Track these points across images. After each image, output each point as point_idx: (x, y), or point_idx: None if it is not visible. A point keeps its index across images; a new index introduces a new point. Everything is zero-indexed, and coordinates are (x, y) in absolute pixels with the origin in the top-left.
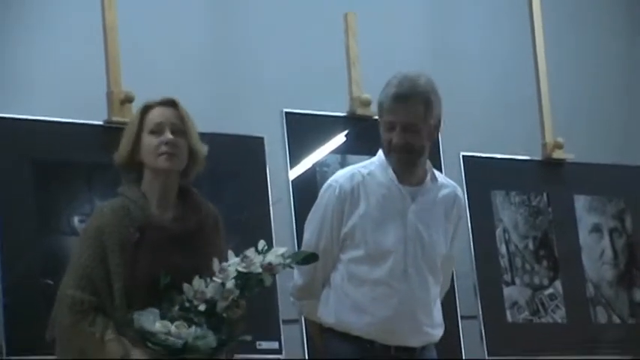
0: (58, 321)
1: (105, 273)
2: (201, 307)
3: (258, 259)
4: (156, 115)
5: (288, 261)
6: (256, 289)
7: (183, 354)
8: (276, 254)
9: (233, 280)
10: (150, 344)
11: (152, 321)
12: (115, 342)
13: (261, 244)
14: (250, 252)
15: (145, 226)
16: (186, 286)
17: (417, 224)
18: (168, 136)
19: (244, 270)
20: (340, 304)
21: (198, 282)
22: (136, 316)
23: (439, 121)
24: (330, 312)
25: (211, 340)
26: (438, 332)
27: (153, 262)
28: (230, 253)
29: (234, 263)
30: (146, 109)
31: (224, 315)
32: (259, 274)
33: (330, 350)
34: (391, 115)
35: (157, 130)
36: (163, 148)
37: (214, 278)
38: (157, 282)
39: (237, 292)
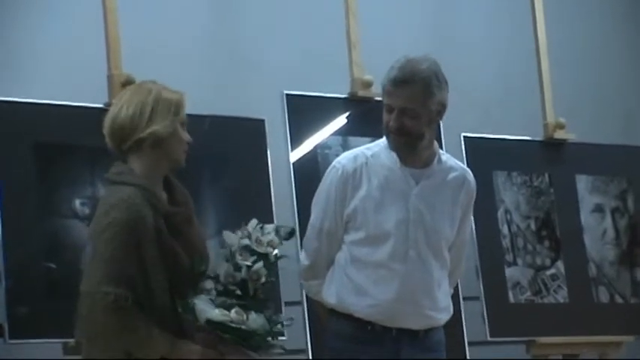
0: (92, 320)
1: (140, 266)
2: (239, 292)
3: (264, 238)
4: (184, 111)
5: (282, 237)
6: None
7: (252, 339)
8: (271, 231)
9: (261, 262)
10: (224, 334)
11: (211, 310)
12: (161, 337)
13: (254, 222)
14: (251, 229)
15: (165, 213)
16: (220, 270)
17: (420, 207)
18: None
19: (262, 250)
20: (342, 285)
21: (226, 265)
22: (199, 307)
23: (443, 107)
24: (332, 293)
25: (265, 322)
26: (442, 316)
27: (184, 248)
28: (226, 233)
29: (242, 242)
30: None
31: (261, 297)
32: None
33: (331, 330)
34: (390, 98)
35: (185, 126)
36: (187, 147)
37: (238, 260)
38: (192, 268)
39: (264, 271)
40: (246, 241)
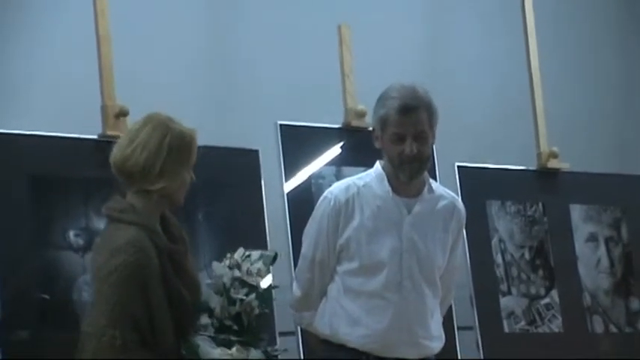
0: None
1: (147, 308)
2: (235, 327)
3: (254, 268)
4: (195, 152)
5: (267, 264)
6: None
7: None
8: (258, 260)
9: (253, 294)
10: None
11: (212, 349)
12: None
13: (241, 251)
14: (238, 257)
15: (169, 252)
16: (213, 303)
17: (413, 236)
18: (193, 175)
19: (252, 282)
20: (335, 316)
21: (220, 299)
22: (203, 349)
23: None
24: (325, 323)
25: (262, 357)
26: (436, 345)
27: (185, 284)
28: (215, 264)
29: (231, 273)
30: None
31: (255, 330)
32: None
33: None
34: (400, 127)
35: (191, 168)
36: (188, 186)
37: (232, 294)
38: (194, 305)
39: (257, 303)
40: (237, 273)
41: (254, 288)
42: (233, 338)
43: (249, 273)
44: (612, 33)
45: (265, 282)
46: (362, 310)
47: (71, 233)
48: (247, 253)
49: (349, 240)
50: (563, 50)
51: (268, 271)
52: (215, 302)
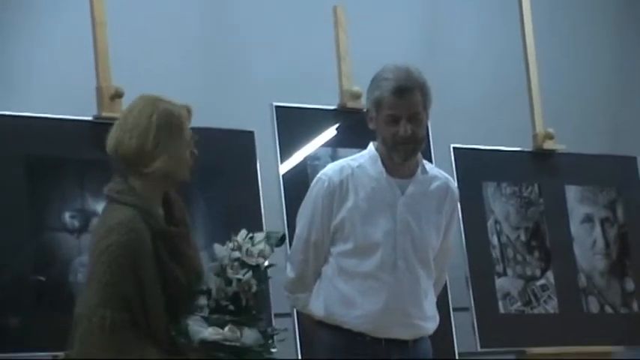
0: (88, 343)
1: (138, 288)
2: (231, 307)
3: (255, 249)
4: (188, 125)
5: (272, 244)
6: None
7: (247, 355)
8: (261, 241)
9: (250, 273)
10: (218, 354)
11: (204, 329)
12: (157, 357)
13: (243, 233)
14: (241, 240)
15: (164, 234)
16: (211, 284)
17: (407, 217)
18: (194, 149)
19: (252, 262)
20: (330, 297)
21: (217, 280)
22: (192, 328)
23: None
24: (320, 305)
25: (259, 336)
26: (430, 325)
27: (182, 267)
28: (217, 246)
29: (232, 254)
30: (188, 114)
31: (253, 310)
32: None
33: (320, 343)
34: (394, 109)
35: (189, 142)
36: (191, 162)
37: (229, 274)
38: (190, 288)
39: (254, 282)
40: (236, 254)
41: (254, 268)
42: (227, 318)
43: (249, 254)
44: (608, 15)
45: (267, 263)
46: (356, 291)
47: (67, 215)
48: (251, 234)
49: (343, 221)
50: (558, 32)
51: (272, 251)
52: (213, 284)
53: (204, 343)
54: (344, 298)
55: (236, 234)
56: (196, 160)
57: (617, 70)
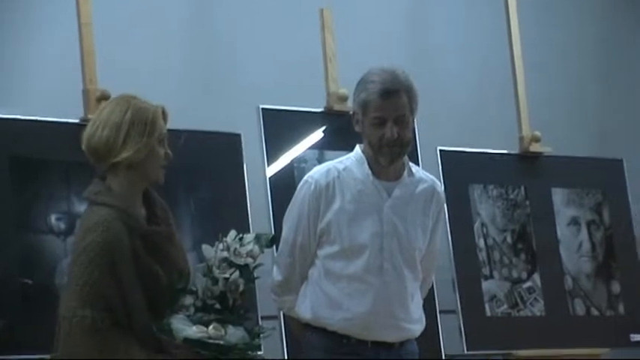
0: (71, 344)
1: (118, 287)
2: (218, 306)
3: (243, 249)
4: (164, 125)
5: (262, 245)
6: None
7: (231, 353)
8: (250, 242)
9: (237, 272)
10: (202, 352)
11: (188, 327)
12: (141, 355)
13: (233, 234)
14: (231, 240)
15: (144, 233)
16: (198, 284)
17: (394, 219)
18: (168, 150)
19: (240, 262)
20: (317, 299)
21: (204, 280)
22: (175, 326)
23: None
24: (306, 307)
25: (244, 335)
26: (416, 327)
27: (163, 266)
28: (205, 247)
29: (220, 254)
30: (163, 115)
31: (240, 309)
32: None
33: (307, 345)
34: (380, 111)
35: (163, 141)
36: (165, 162)
37: (216, 274)
38: (170, 286)
39: (242, 282)
40: (224, 254)
41: (242, 267)
42: (212, 317)
43: (236, 254)
44: (595, 18)
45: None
46: (343, 294)
47: (53, 217)
48: (240, 235)
49: (330, 224)
50: (545, 35)
51: (262, 252)
52: (199, 283)
53: (188, 340)
54: (330, 300)
55: (225, 235)
56: (171, 161)
57: (603, 73)
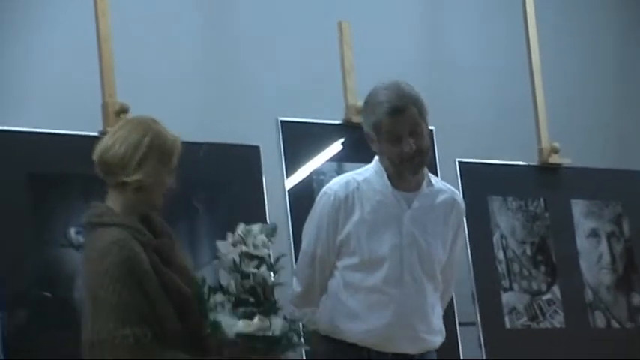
0: None
1: (146, 302)
2: (252, 299)
3: (258, 241)
4: (176, 158)
5: (268, 235)
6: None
7: (280, 343)
8: (259, 232)
9: (264, 266)
10: (257, 345)
11: (235, 322)
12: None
13: (242, 226)
14: (242, 232)
15: (154, 246)
16: (224, 281)
17: (414, 230)
18: (174, 184)
19: (260, 254)
20: (336, 311)
21: (233, 276)
22: (226, 322)
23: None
24: (326, 319)
25: (284, 323)
26: (436, 339)
27: (178, 275)
28: (220, 243)
29: (238, 248)
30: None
31: (272, 299)
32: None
33: (326, 357)
34: (394, 129)
35: (172, 173)
36: (166, 191)
37: (244, 269)
38: (195, 291)
39: (268, 273)
40: (243, 248)
41: (262, 259)
42: (253, 309)
43: (255, 246)
44: (613, 27)
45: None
46: (362, 305)
47: (72, 230)
48: (247, 227)
49: (349, 235)
50: (564, 46)
51: (270, 242)
52: (226, 279)
53: (240, 335)
54: (349, 312)
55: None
56: (202, 175)
57: (622, 84)
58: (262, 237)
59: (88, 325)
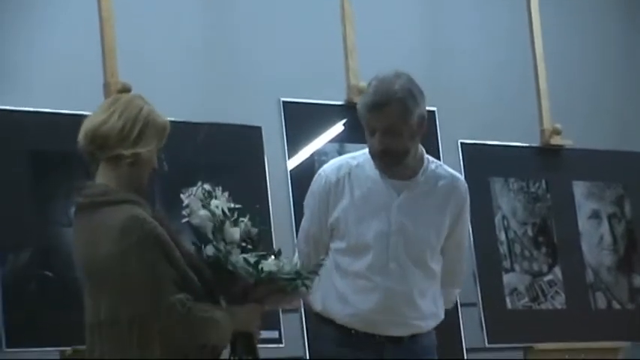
0: (171, 336)
1: (175, 269)
2: (250, 246)
3: (222, 204)
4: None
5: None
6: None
7: (296, 282)
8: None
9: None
10: (287, 282)
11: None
12: (225, 313)
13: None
14: (200, 196)
15: (159, 220)
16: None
17: (402, 218)
18: (162, 164)
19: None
20: (327, 292)
21: (234, 230)
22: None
23: (423, 118)
24: (317, 298)
25: (292, 264)
26: (427, 323)
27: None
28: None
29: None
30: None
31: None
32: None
33: (318, 335)
34: (370, 122)
35: (160, 152)
36: (151, 171)
37: (244, 221)
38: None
39: (250, 223)
40: (213, 205)
41: (237, 209)
42: (261, 253)
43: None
44: (616, 10)
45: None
46: (349, 289)
47: (73, 210)
48: (191, 190)
49: (338, 220)
50: (565, 27)
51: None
52: (231, 233)
53: (270, 274)
54: (339, 294)
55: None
56: (205, 155)
57: (625, 65)
58: (223, 199)
59: (112, 304)
